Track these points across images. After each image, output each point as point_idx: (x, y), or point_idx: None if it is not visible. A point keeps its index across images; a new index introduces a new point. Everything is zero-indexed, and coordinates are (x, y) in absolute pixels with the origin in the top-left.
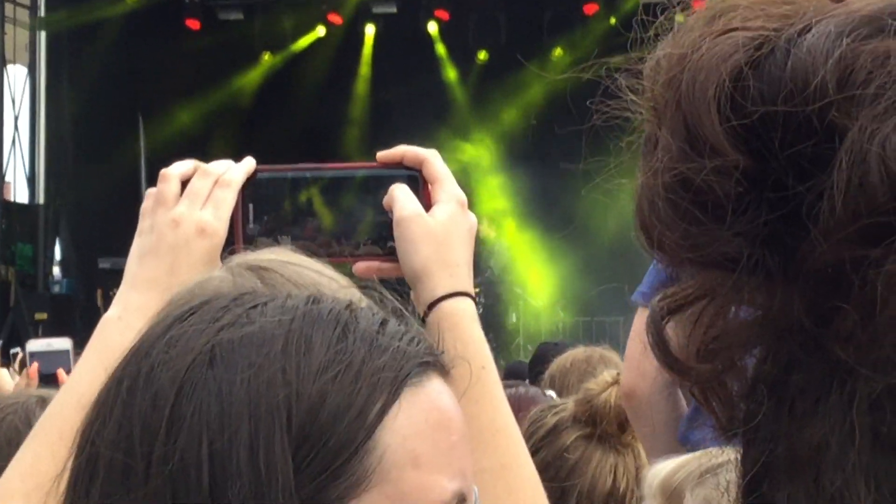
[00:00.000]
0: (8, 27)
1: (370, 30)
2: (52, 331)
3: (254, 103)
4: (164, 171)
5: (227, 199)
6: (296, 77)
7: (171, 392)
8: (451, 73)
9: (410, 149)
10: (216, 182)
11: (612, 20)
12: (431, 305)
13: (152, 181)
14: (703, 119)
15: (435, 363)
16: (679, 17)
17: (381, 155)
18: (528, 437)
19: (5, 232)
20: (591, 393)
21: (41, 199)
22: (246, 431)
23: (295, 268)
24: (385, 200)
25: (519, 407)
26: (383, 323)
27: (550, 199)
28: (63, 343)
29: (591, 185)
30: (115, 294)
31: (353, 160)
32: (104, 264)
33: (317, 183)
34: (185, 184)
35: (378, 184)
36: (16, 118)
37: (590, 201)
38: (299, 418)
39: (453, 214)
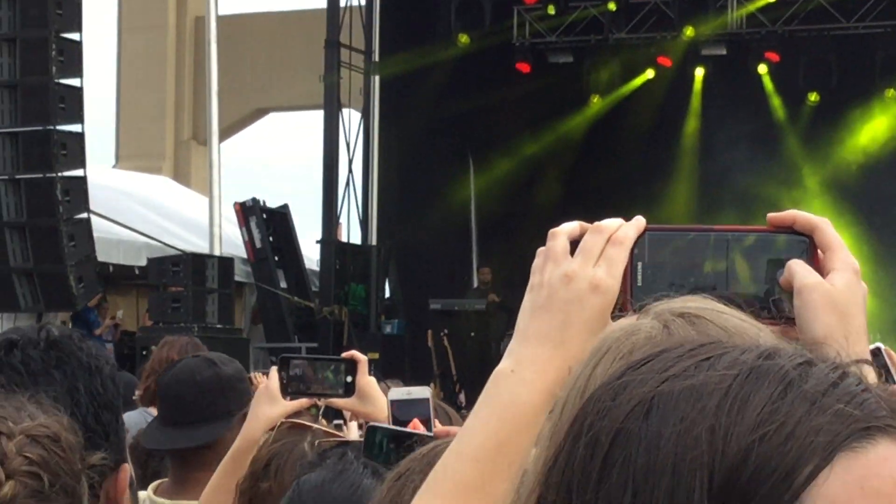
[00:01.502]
0: (344, 72)
1: (699, 72)
2: (383, 371)
3: (582, 146)
4: (553, 230)
5: (620, 257)
6: (624, 120)
7: (607, 440)
8: (781, 115)
9: (802, 214)
10: (609, 240)
11: None
12: None
13: (481, 223)
14: None
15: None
16: None
17: (772, 217)
18: None
19: (339, 273)
20: None
21: (373, 241)
22: (668, 485)
23: (724, 315)
24: (783, 278)
25: None
26: (835, 384)
27: (888, 254)
28: (423, 392)
29: None
30: (445, 335)
31: (680, 204)
32: (434, 305)
33: (707, 244)
34: (573, 245)
35: (768, 247)
36: (350, 161)
37: None
38: (721, 476)
39: (851, 283)
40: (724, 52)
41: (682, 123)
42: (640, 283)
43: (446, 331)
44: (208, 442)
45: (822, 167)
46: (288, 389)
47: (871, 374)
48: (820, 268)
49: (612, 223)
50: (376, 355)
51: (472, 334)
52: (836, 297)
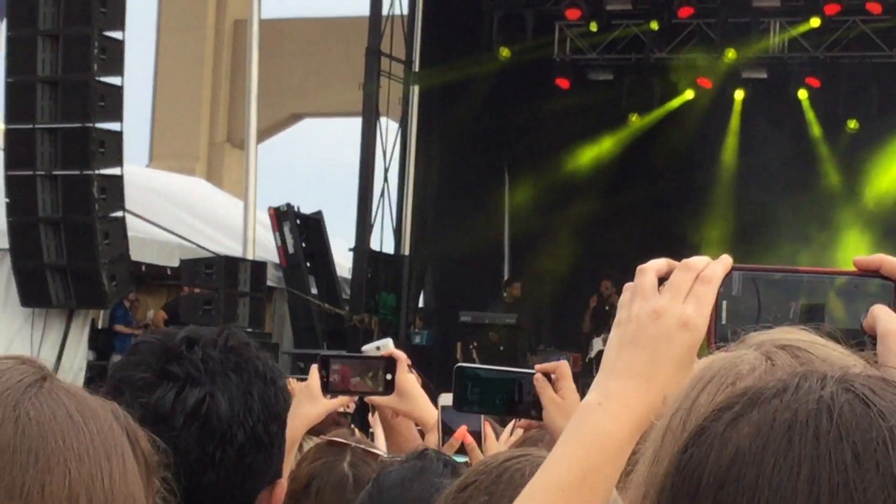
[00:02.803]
0: (383, 81)
1: (739, 94)
2: None
3: (619, 164)
4: (641, 266)
5: (709, 295)
6: (663, 140)
7: None
8: (819, 141)
9: (889, 259)
10: (697, 277)
11: None
12: None
13: (514, 237)
14: None
15: None
16: None
17: (859, 261)
18: None
19: (371, 281)
20: None
21: (406, 251)
22: None
23: (826, 349)
24: (866, 322)
25: None
26: None
27: None
28: None
29: None
30: (474, 348)
31: (716, 226)
32: (465, 318)
33: (792, 285)
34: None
35: (856, 290)
36: (386, 170)
37: None
38: None
39: None
40: (764, 75)
41: (721, 145)
42: (724, 321)
43: (475, 343)
44: None
45: (860, 195)
46: (328, 388)
47: None
48: None
49: (700, 261)
50: None
51: (502, 348)
52: None
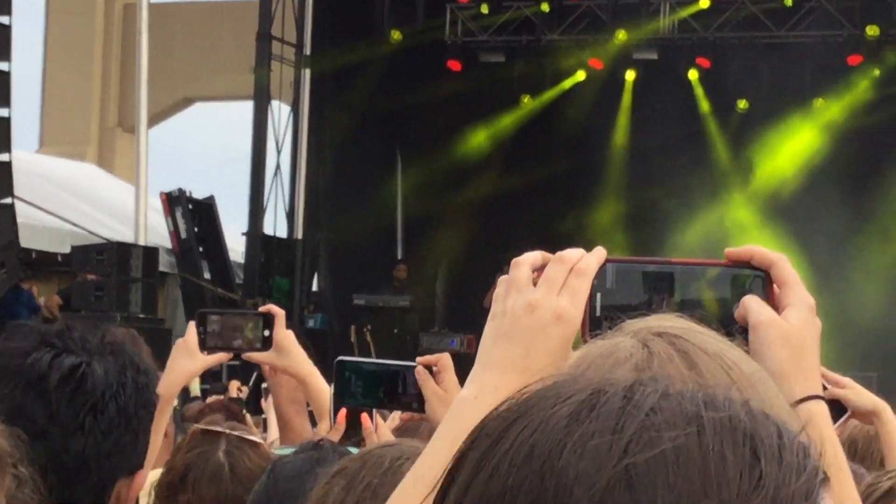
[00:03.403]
0: (274, 65)
1: (630, 75)
2: None
3: (512, 146)
4: (515, 259)
5: (583, 288)
6: (555, 121)
7: None
8: (710, 121)
9: (759, 250)
10: (571, 270)
11: (877, 72)
12: None
13: (407, 220)
14: None
15: (826, 477)
16: None
17: (730, 252)
18: (863, 499)
19: (264, 265)
20: None
21: (299, 234)
22: None
23: (702, 336)
24: (738, 312)
25: None
26: (780, 434)
27: (815, 263)
28: None
29: None
30: (368, 331)
31: (609, 207)
32: (359, 301)
33: (663, 277)
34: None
35: (728, 281)
36: (278, 154)
37: (860, 269)
38: None
39: (805, 319)
40: (655, 56)
41: (613, 126)
42: (598, 313)
43: (369, 326)
44: None
45: (750, 173)
46: (206, 344)
47: (823, 409)
48: (775, 302)
49: (574, 253)
50: None
51: (395, 330)
52: (791, 334)
